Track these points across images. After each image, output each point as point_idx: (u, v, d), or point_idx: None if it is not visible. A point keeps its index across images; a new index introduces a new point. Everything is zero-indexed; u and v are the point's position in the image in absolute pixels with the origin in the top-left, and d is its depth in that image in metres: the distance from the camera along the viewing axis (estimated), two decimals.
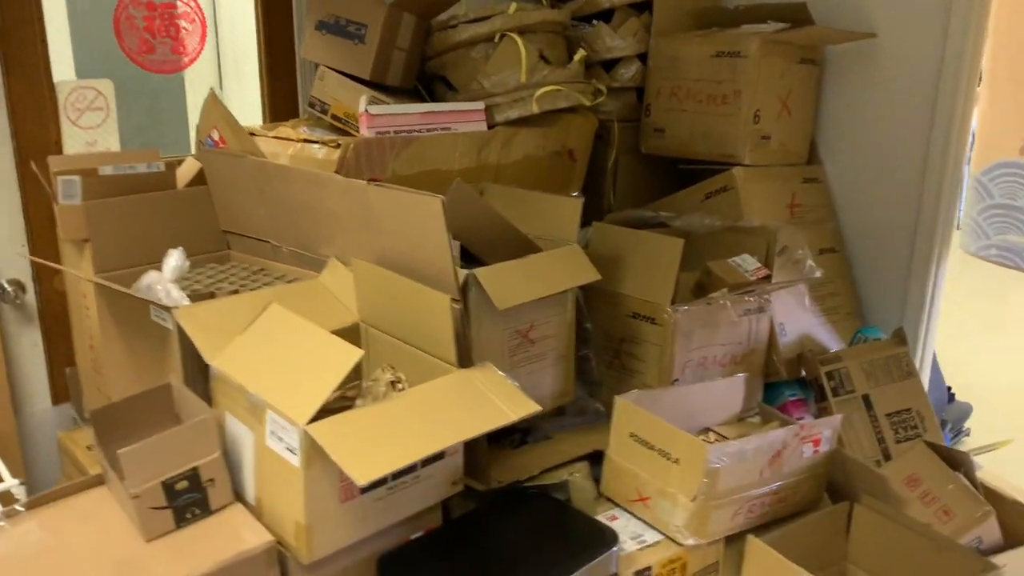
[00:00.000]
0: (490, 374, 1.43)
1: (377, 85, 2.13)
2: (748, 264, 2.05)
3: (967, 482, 1.71)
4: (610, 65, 2.47)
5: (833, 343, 2.23)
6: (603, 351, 2.08)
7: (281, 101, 2.33)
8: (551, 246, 1.88)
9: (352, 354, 1.28)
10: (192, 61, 2.14)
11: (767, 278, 2.04)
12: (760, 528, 1.66)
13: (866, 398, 2.03)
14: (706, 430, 1.89)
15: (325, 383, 1.26)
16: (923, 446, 1.74)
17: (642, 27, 2.42)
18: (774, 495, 1.67)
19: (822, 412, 2.09)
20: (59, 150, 2.01)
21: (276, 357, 1.36)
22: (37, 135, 1.97)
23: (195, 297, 1.67)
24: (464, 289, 1.66)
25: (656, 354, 1.96)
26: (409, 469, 1.39)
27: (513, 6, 2.17)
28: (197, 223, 1.91)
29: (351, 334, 1.60)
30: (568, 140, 2.31)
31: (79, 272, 1.69)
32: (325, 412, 1.27)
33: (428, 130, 2.05)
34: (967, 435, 2.99)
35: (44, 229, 2.01)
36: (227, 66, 2.47)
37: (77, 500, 1.42)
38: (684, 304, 1.91)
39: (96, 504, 1.40)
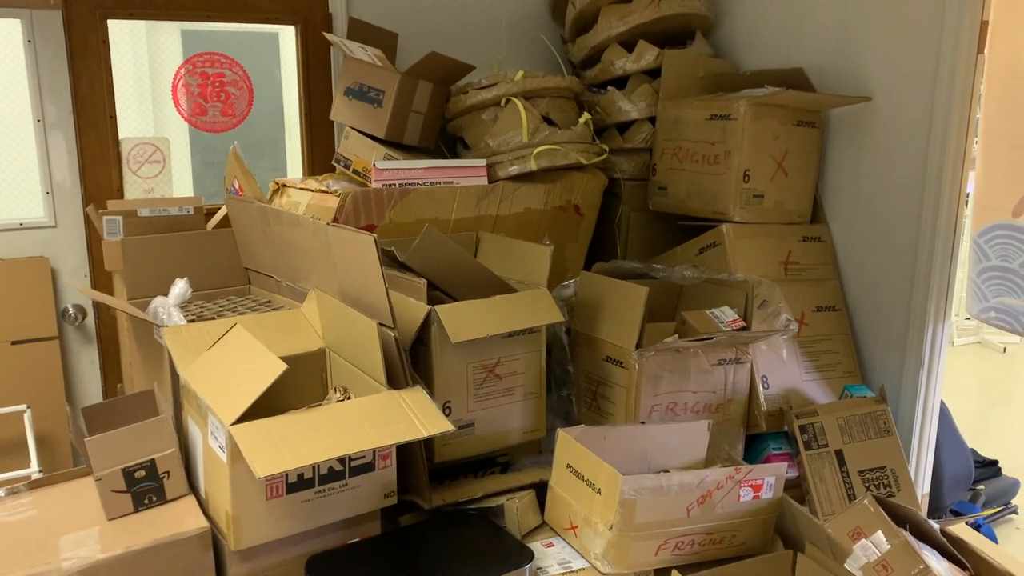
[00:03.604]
0: (416, 395, 1.59)
1: (394, 144, 2.37)
2: (726, 315, 2.12)
3: (910, 538, 1.69)
4: (625, 128, 2.61)
5: (823, 399, 2.24)
6: (584, 393, 2.19)
7: (319, 156, 2.61)
8: (526, 288, 2.03)
9: (276, 368, 1.48)
10: (239, 122, 2.46)
11: (743, 330, 2.09)
12: (696, 567, 1.71)
13: (839, 453, 2.03)
14: (663, 471, 1.95)
15: (252, 392, 1.46)
16: (870, 499, 1.74)
17: (654, 92, 2.55)
18: (707, 535, 1.72)
19: (801, 466, 2.10)
20: (120, 196, 2.36)
21: (226, 370, 1.58)
22: (102, 183, 2.33)
23: (198, 321, 1.93)
24: (426, 323, 1.85)
25: (624, 397, 2.05)
26: (336, 476, 1.57)
27: (520, 73, 2.37)
28: (222, 259, 2.19)
29: (318, 357, 1.80)
30: (573, 196, 2.46)
31: (102, 297, 1.98)
32: None
33: (431, 183, 2.26)
34: (1014, 512, 2.83)
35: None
36: (288, 123, 2.80)
37: (71, 485, 1.68)
38: (649, 349, 2.00)
39: (82, 489, 1.65)
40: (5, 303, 2.23)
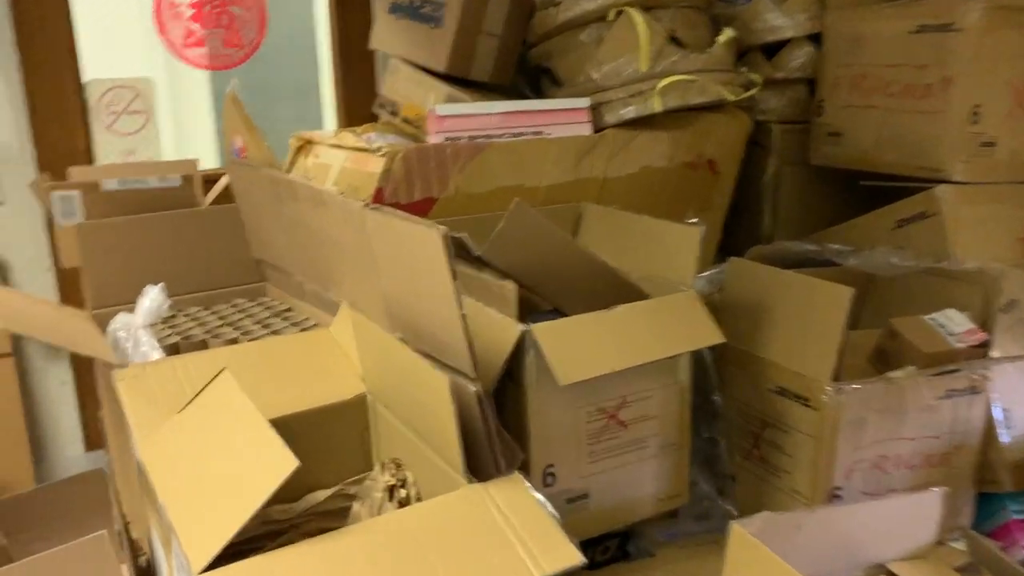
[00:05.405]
0: (515, 493, 0.95)
1: (459, 80, 1.71)
2: (955, 324, 1.44)
3: None
4: (773, 50, 1.92)
5: None
6: (738, 434, 1.54)
7: (356, 101, 1.96)
8: (662, 290, 1.37)
9: (280, 466, 0.85)
10: (249, 55, 1.81)
11: (982, 346, 1.41)
12: None
13: None
14: (877, 568, 1.30)
15: (238, 512, 0.83)
16: None
17: (817, 1, 1.85)
18: None
19: None
20: (88, 160, 1.74)
21: (203, 455, 0.96)
22: (62, 143, 1.71)
23: (180, 348, 1.31)
24: (518, 351, 1.20)
25: (810, 449, 1.39)
26: None
27: None
28: (224, 248, 1.57)
29: (356, 409, 1.17)
30: (707, 147, 1.78)
31: (25, 326, 1.37)
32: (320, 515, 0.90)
33: (513, 135, 1.60)
34: None
35: None
36: (321, 55, 2.13)
37: None
38: (853, 382, 1.33)
39: None
40: None
